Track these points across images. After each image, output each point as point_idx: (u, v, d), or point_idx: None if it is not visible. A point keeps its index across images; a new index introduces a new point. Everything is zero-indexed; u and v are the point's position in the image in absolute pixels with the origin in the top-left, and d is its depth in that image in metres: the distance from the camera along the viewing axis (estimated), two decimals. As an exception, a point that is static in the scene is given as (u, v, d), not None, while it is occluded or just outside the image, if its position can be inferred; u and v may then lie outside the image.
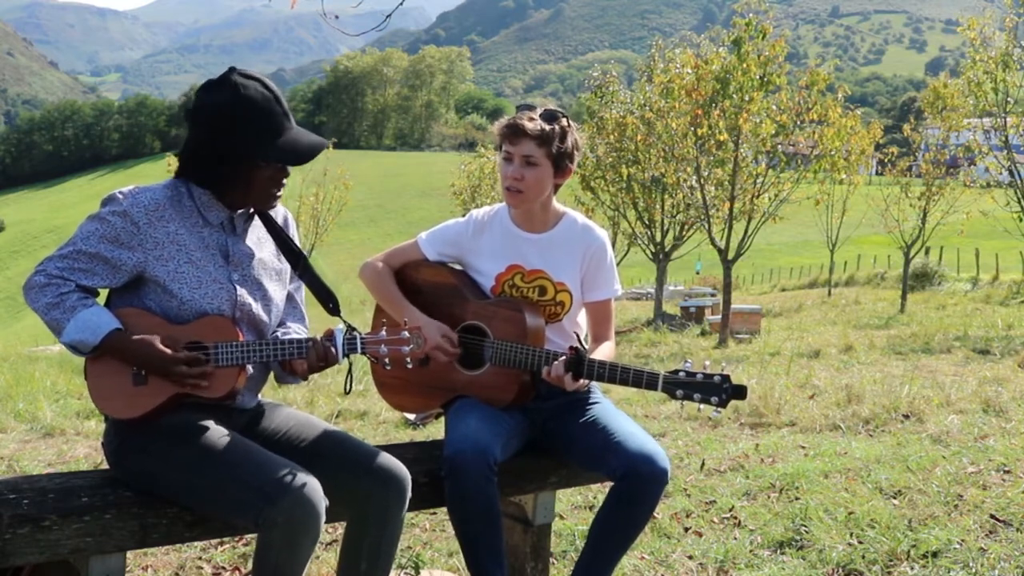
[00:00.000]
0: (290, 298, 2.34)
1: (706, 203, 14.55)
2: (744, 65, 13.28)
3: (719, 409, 2.27)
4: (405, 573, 3.05)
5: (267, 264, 2.24)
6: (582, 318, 2.65)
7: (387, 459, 2.18)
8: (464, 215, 2.69)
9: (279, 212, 2.30)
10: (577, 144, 2.51)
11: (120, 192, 2.08)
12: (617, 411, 2.53)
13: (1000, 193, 15.28)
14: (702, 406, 2.28)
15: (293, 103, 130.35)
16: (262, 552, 1.97)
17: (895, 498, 3.64)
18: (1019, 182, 14.88)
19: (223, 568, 3.10)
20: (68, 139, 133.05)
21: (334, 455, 2.16)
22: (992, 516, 3.33)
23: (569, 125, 2.49)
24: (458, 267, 2.66)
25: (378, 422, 5.99)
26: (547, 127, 2.44)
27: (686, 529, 3.43)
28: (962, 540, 3.10)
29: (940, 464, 4.06)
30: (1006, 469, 3.95)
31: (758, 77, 13.34)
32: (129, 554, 2.21)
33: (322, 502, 1.96)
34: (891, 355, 9.49)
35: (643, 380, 2.31)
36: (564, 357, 2.34)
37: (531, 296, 2.55)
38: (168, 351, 2.01)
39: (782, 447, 4.67)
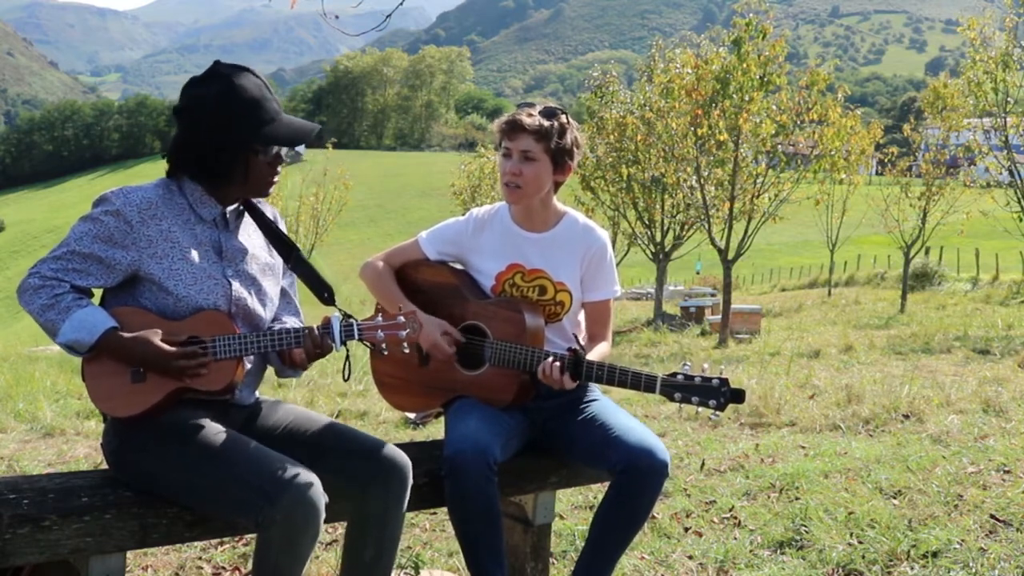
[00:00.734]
0: (284, 293, 2.35)
1: (706, 203, 14.55)
2: (744, 65, 13.28)
3: (717, 412, 2.27)
4: (405, 573, 3.05)
5: (260, 259, 2.25)
6: (582, 318, 2.65)
7: (388, 448, 2.19)
8: (464, 215, 2.69)
9: (267, 208, 2.32)
10: (577, 142, 2.51)
11: (111, 192, 2.09)
12: (616, 407, 2.53)
13: (1000, 193, 15.28)
14: (700, 409, 2.28)
15: (293, 103, 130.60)
16: (262, 550, 1.97)
17: (895, 498, 3.64)
18: (1019, 182, 14.88)
19: (223, 568, 3.10)
20: (68, 139, 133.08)
21: (335, 445, 2.17)
22: (992, 516, 3.33)
23: (568, 122, 2.49)
24: (459, 267, 2.66)
25: (378, 422, 5.99)
26: (545, 123, 2.44)
27: (686, 529, 3.43)
28: (962, 540, 3.10)
29: (940, 464, 4.06)
30: (1006, 469, 3.95)
31: (758, 77, 13.35)
32: (129, 554, 2.21)
33: (322, 499, 1.97)
34: (891, 355, 9.49)
35: (641, 382, 2.31)
36: (560, 357, 2.34)
37: (531, 295, 2.55)
38: (166, 346, 2.02)
39: (782, 447, 4.67)
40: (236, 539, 3.23)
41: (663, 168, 16.62)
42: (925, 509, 3.46)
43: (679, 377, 2.29)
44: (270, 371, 2.36)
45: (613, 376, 2.33)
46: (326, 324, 2.15)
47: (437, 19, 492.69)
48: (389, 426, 5.87)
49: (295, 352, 2.20)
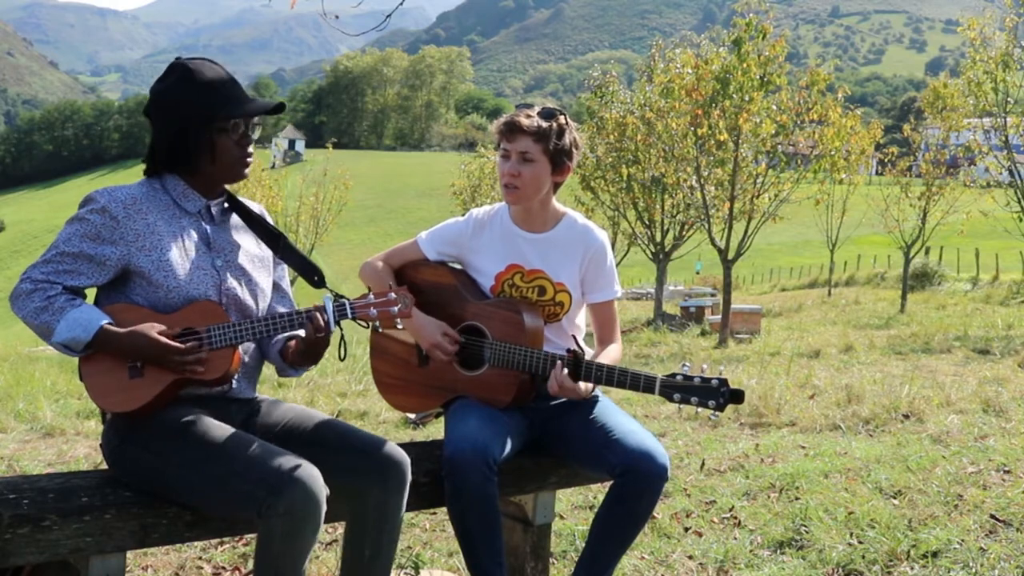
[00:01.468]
0: (276, 286, 2.37)
1: (706, 203, 14.55)
2: (744, 65, 13.28)
3: (716, 413, 2.27)
4: (405, 573, 3.05)
5: (249, 251, 2.27)
6: (581, 319, 2.65)
7: (387, 445, 2.19)
8: (464, 215, 2.69)
9: (253, 204, 2.34)
10: (576, 142, 2.51)
11: (96, 192, 2.11)
12: (617, 409, 2.53)
13: (1000, 193, 15.28)
14: (699, 409, 2.28)
15: (293, 103, 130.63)
16: (263, 543, 1.97)
17: (895, 498, 3.64)
18: (1019, 182, 14.88)
19: (223, 568, 3.10)
20: (68, 139, 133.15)
21: (334, 442, 2.17)
22: (992, 516, 3.33)
23: (567, 123, 2.49)
24: (458, 267, 2.66)
25: (378, 422, 5.99)
26: (544, 124, 2.44)
27: (686, 529, 3.43)
28: (962, 540, 3.10)
29: (940, 464, 4.06)
30: (1006, 469, 3.95)
31: (758, 77, 13.34)
32: (129, 554, 2.21)
33: (323, 491, 1.97)
34: (891, 355, 9.49)
35: (640, 383, 2.31)
36: (562, 361, 2.34)
37: (530, 296, 2.55)
38: (162, 338, 2.03)
39: (782, 447, 4.67)
40: (236, 539, 3.23)
41: (663, 168, 16.61)
42: (925, 509, 3.46)
43: (678, 378, 2.29)
44: (270, 371, 2.36)
45: (612, 376, 2.33)
46: (319, 307, 2.16)
47: (437, 19, 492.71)
48: (389, 426, 5.87)
49: (294, 345, 2.22)
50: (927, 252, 23.92)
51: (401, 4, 5.19)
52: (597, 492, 3.78)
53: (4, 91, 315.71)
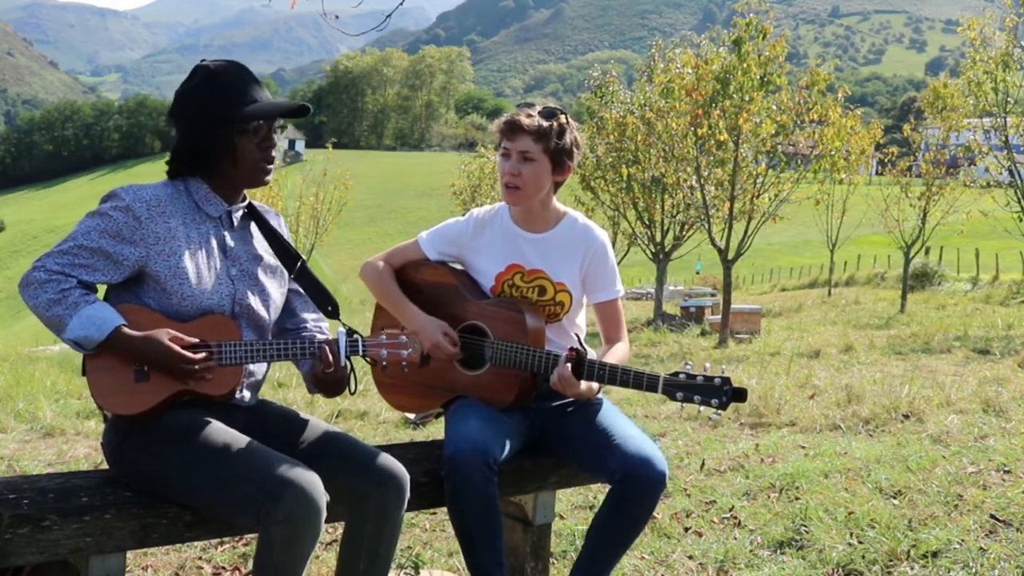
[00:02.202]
0: (297, 292, 2.36)
1: (706, 203, 14.55)
2: (744, 65, 13.28)
3: (719, 412, 2.27)
4: (405, 573, 3.05)
5: (265, 261, 2.26)
6: (581, 319, 2.65)
7: (386, 459, 2.18)
8: (464, 215, 2.69)
9: (271, 214, 2.33)
10: (576, 142, 2.51)
11: (121, 188, 2.10)
12: (617, 412, 2.52)
13: (1000, 193, 15.28)
14: (702, 408, 2.28)
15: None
16: (263, 549, 1.96)
17: (895, 498, 3.64)
18: (1019, 182, 14.88)
19: (223, 568, 3.10)
20: (68, 139, 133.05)
21: (333, 455, 2.17)
22: (992, 516, 3.33)
23: (568, 122, 2.49)
24: (458, 267, 2.66)
25: (378, 422, 5.99)
26: (544, 123, 2.44)
27: (686, 529, 3.43)
28: (962, 540, 3.10)
29: (940, 464, 4.06)
30: (1006, 469, 3.95)
31: (758, 77, 13.34)
32: (129, 554, 2.21)
33: (323, 498, 1.96)
34: (891, 355, 9.49)
35: (643, 382, 2.31)
36: (566, 359, 2.34)
37: (531, 296, 2.55)
38: (175, 347, 2.02)
39: (782, 447, 4.67)
40: (236, 539, 3.23)
41: (663, 168, 16.61)
42: (925, 509, 3.46)
43: (681, 376, 2.29)
44: (271, 371, 2.36)
45: (615, 375, 2.33)
46: (331, 341, 2.17)
47: (437, 19, 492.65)
48: (389, 426, 5.87)
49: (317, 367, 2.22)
50: (927, 252, 23.91)
51: (401, 4, 5.19)
52: (597, 492, 3.78)
53: (4, 91, 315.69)
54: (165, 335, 2.02)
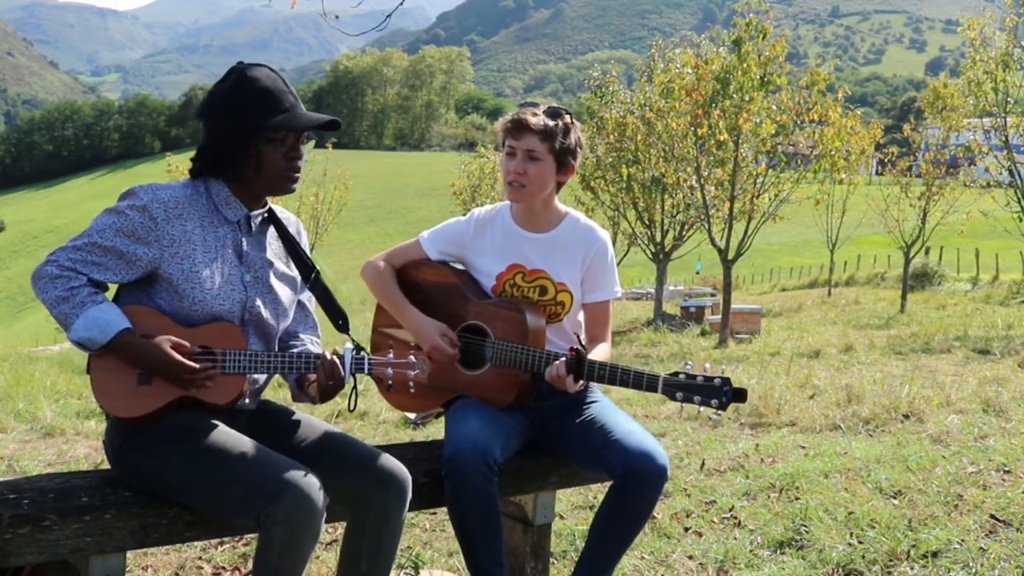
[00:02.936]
0: (302, 306, 2.34)
1: (706, 203, 14.55)
2: (744, 65, 13.27)
3: (719, 412, 2.27)
4: (405, 573, 3.05)
5: (279, 269, 2.24)
6: (582, 318, 2.65)
7: (387, 460, 2.18)
8: (465, 215, 2.68)
9: (291, 221, 2.30)
10: (580, 142, 2.52)
11: (139, 187, 2.08)
12: (616, 409, 2.53)
13: (1000, 193, 15.28)
14: (702, 408, 2.28)
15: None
16: (263, 550, 1.97)
17: (895, 498, 3.64)
18: (1019, 182, 14.88)
19: (223, 568, 3.10)
20: (68, 139, 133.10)
21: (335, 455, 2.16)
22: (992, 516, 3.33)
23: (572, 122, 2.49)
24: (459, 266, 2.66)
25: (378, 422, 5.99)
26: (551, 122, 2.44)
27: (686, 529, 3.43)
28: (962, 540, 3.10)
29: (940, 464, 4.06)
30: (1006, 469, 3.95)
31: (758, 77, 13.34)
32: (129, 554, 2.21)
33: (323, 499, 1.97)
34: (891, 355, 9.49)
35: (643, 382, 2.31)
36: (564, 358, 2.34)
37: (532, 296, 2.55)
38: (178, 356, 2.01)
39: (782, 447, 4.67)
40: (236, 539, 3.23)
41: (663, 168, 16.61)
42: (925, 509, 3.46)
43: (681, 376, 2.29)
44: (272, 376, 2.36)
45: (615, 375, 2.33)
46: (337, 356, 2.15)
47: (437, 19, 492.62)
48: (389, 426, 5.87)
49: (310, 380, 2.22)
50: (927, 252, 23.91)
51: (401, 4, 5.19)
52: (597, 492, 3.78)
53: (4, 91, 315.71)
54: (167, 343, 2.01)
